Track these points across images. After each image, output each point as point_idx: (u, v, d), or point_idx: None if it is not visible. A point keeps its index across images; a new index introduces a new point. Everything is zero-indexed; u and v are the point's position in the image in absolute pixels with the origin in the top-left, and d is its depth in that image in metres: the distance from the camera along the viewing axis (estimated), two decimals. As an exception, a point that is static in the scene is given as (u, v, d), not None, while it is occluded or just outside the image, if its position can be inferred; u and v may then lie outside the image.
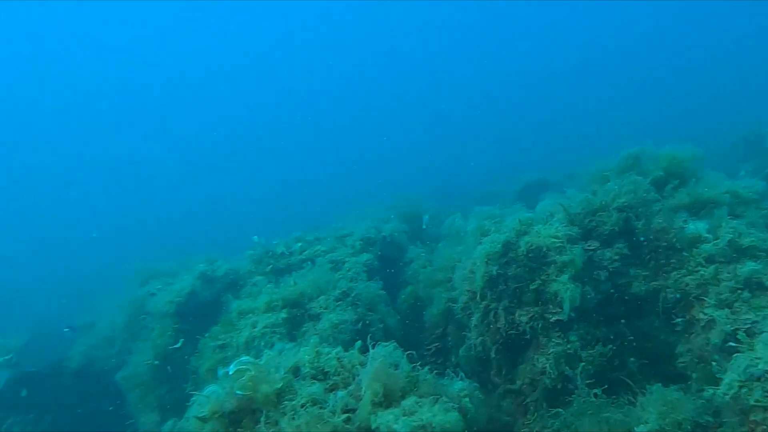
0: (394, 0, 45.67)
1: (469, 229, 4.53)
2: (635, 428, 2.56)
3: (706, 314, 3.04)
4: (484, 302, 3.77)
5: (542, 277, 3.51)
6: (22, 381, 6.22)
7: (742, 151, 10.75)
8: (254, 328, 4.69)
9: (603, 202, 3.82)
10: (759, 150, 10.24)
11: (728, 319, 2.88)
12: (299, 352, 2.62)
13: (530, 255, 3.63)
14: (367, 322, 4.83)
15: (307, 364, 2.52)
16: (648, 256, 3.58)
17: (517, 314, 3.52)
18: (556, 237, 3.60)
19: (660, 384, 2.76)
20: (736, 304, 2.94)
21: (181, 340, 5.79)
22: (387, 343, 2.53)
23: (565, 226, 3.68)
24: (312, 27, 50.92)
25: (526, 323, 3.42)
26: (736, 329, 2.79)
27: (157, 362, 5.66)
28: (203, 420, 2.29)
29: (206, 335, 5.30)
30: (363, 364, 2.41)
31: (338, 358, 2.54)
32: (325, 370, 2.49)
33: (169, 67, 49.45)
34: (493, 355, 3.70)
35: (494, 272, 3.68)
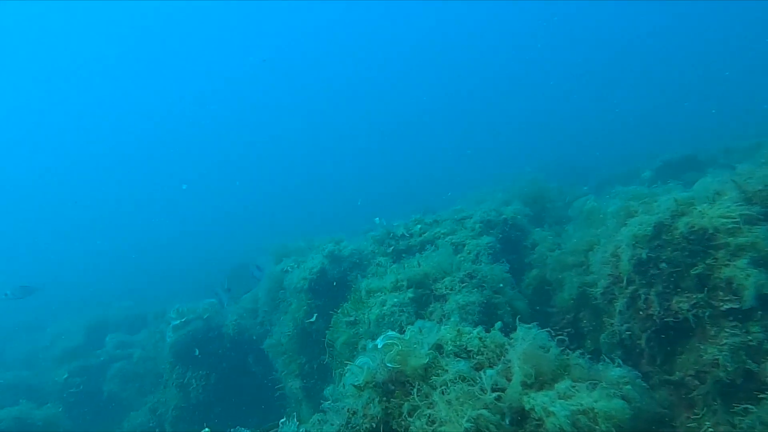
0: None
1: (611, 211, 4.21)
2: None
3: None
4: (631, 287, 3.52)
5: (707, 261, 3.15)
6: (194, 342, 7.27)
7: None
8: (383, 306, 4.89)
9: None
10: None
11: None
12: (441, 330, 2.69)
13: (691, 237, 3.27)
14: (495, 304, 4.78)
15: (449, 342, 2.56)
16: None
17: (674, 301, 3.21)
18: (727, 217, 3.19)
19: None
20: None
21: (315, 314, 6.29)
22: (530, 325, 2.48)
23: (739, 205, 3.23)
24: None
25: (688, 311, 3.10)
26: None
27: (296, 333, 6.23)
28: (359, 389, 2.47)
29: (338, 311, 5.69)
30: (508, 345, 2.40)
31: (480, 338, 2.55)
32: (468, 348, 2.52)
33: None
34: (643, 343, 3.42)
35: (644, 255, 3.40)
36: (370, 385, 2.40)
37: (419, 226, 6.95)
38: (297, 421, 2.92)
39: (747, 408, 2.68)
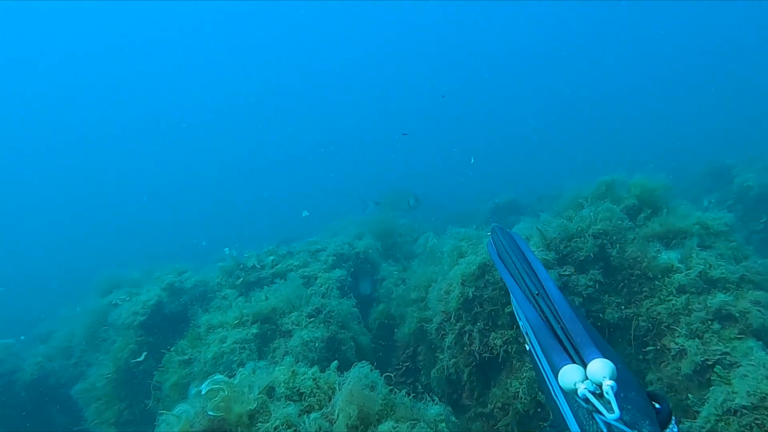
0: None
1: (446, 250, 4.54)
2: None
3: (677, 343, 3.10)
4: (459, 324, 3.77)
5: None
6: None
7: (706, 182, 10.99)
8: (223, 343, 4.57)
9: (579, 228, 3.88)
10: (724, 181, 10.44)
11: (699, 349, 2.95)
12: (274, 372, 2.59)
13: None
14: (339, 339, 4.80)
15: (282, 384, 2.48)
16: (621, 284, 3.63)
17: (491, 337, 3.52)
18: None
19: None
20: (707, 335, 3.01)
21: (144, 353, 5.59)
22: (362, 364, 2.53)
23: (541, 251, 3.72)
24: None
25: (501, 346, 3.42)
26: (706, 360, 2.86)
27: (117, 376, 5.44)
28: (172, 440, 2.23)
29: (171, 349, 5.14)
30: (340, 384, 2.41)
31: (314, 378, 2.51)
32: (301, 390, 2.45)
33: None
34: (465, 377, 3.69)
35: (470, 294, 3.70)
36: (186, 437, 2.19)
37: (272, 257, 6.75)
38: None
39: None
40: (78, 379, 6.09)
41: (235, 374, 2.64)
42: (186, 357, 4.84)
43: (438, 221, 14.32)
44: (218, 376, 2.48)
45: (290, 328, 4.79)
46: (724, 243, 3.76)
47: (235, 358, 4.44)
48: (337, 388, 2.34)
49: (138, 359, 5.51)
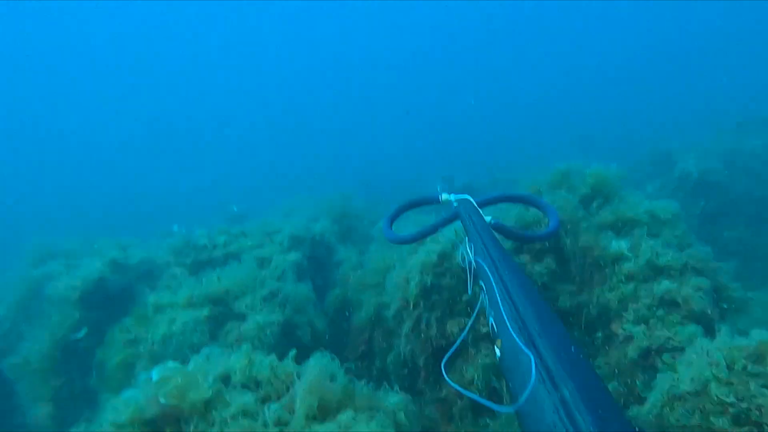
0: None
1: None
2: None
3: (624, 330, 3.20)
4: (416, 311, 3.80)
5: (475, 289, 3.56)
6: None
7: (649, 167, 11.43)
8: (173, 324, 4.41)
9: (535, 218, 3.96)
10: (666, 167, 10.88)
11: (644, 335, 3.06)
12: (230, 359, 2.52)
13: (464, 266, 3.67)
14: (295, 323, 4.75)
15: (238, 372, 2.42)
16: (574, 272, 3.74)
17: (448, 325, 3.58)
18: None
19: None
20: (652, 321, 3.12)
21: (84, 329, 5.32)
22: (322, 354, 2.51)
23: (501, 239, 3.76)
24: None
25: (457, 334, 3.48)
26: (651, 345, 2.99)
27: (54, 352, 5.14)
28: (119, 427, 2.14)
29: (115, 327, 4.93)
30: (298, 375, 2.38)
31: (272, 367, 2.47)
32: (258, 379, 2.41)
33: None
34: (421, 363, 3.75)
35: (428, 282, 3.73)
36: (136, 423, 2.10)
37: (224, 236, 6.54)
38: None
39: (487, 422, 3.19)
40: (7, 352, 5.72)
41: (188, 360, 2.57)
42: (131, 336, 4.65)
43: (394, 203, 14.38)
44: (171, 363, 2.40)
45: (244, 311, 4.68)
46: (670, 231, 3.87)
47: (186, 340, 4.31)
48: (295, 378, 2.31)
49: (77, 336, 5.23)
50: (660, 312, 3.17)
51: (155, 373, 2.32)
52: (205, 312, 4.57)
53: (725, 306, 3.34)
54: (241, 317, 4.67)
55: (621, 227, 3.96)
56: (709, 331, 2.97)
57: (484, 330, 3.50)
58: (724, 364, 2.13)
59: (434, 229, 3.11)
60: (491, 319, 1.59)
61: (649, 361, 3.05)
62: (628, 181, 4.53)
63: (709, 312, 3.11)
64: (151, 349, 4.31)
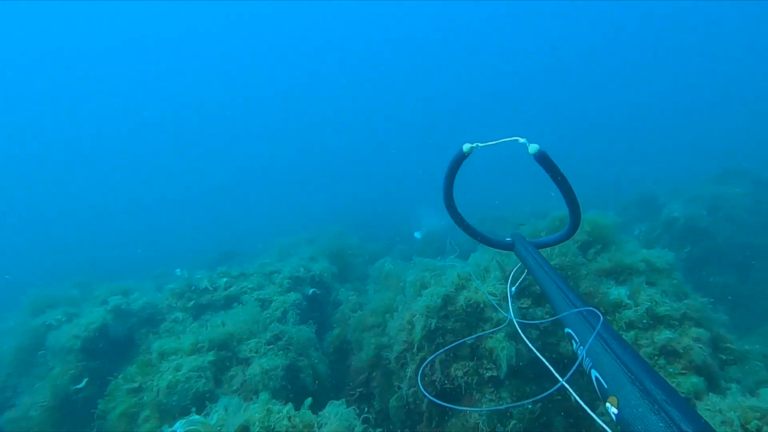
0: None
1: (409, 280, 4.65)
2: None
3: None
4: (420, 354, 3.85)
5: (478, 333, 3.65)
6: None
7: (636, 210, 11.96)
8: (178, 371, 4.45)
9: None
10: (652, 210, 11.33)
11: None
12: (249, 409, 2.63)
13: (468, 310, 3.77)
14: (298, 367, 4.79)
15: (257, 423, 2.53)
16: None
17: (452, 368, 3.60)
18: (493, 294, 3.78)
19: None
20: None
21: (85, 379, 5.31)
22: (339, 403, 2.63)
23: (501, 284, 3.89)
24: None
25: (461, 377, 3.51)
26: None
27: (55, 404, 5.11)
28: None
29: (119, 376, 4.93)
30: (316, 424, 2.49)
31: (289, 417, 2.58)
32: (277, 429, 2.52)
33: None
34: (424, 407, 3.77)
35: (433, 325, 3.79)
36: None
37: (225, 279, 6.64)
38: None
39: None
40: (5, 408, 5.65)
41: (199, 409, 2.66)
42: (135, 385, 4.66)
43: (387, 240, 14.62)
44: (194, 417, 2.50)
45: (248, 355, 4.73)
46: (666, 280, 4.00)
47: (191, 387, 4.35)
48: (316, 429, 2.42)
49: (78, 386, 5.21)
50: (661, 361, 3.24)
51: (179, 427, 2.41)
52: (209, 357, 4.62)
53: (724, 357, 3.41)
54: (246, 362, 4.72)
55: (619, 274, 4.06)
56: (710, 383, 3.03)
57: (488, 374, 3.53)
58: (738, 423, 2.18)
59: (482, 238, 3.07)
60: (594, 374, 1.56)
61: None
62: (623, 227, 4.72)
63: (710, 363, 3.16)
64: (156, 398, 4.33)
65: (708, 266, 8.70)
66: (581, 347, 1.65)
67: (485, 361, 3.55)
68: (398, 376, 4.31)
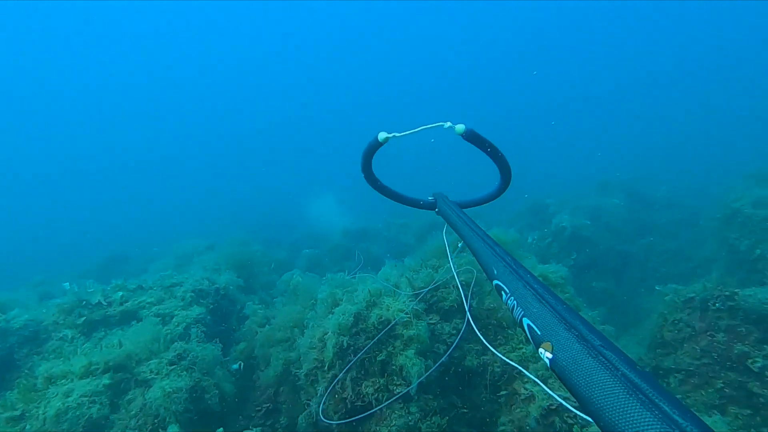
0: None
1: (320, 297, 4.71)
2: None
3: (526, 389, 3.47)
4: (332, 371, 3.91)
5: (389, 349, 3.76)
6: None
7: (528, 217, 12.89)
8: (68, 396, 4.18)
9: (444, 280, 4.26)
10: (542, 218, 12.20)
11: (545, 394, 3.31)
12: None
13: (379, 327, 3.88)
14: (203, 387, 4.71)
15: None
16: (480, 332, 4.13)
17: (363, 385, 3.69)
18: (403, 311, 3.92)
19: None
20: (550, 381, 3.31)
21: (-49, 408, 4.73)
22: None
23: (411, 301, 4.04)
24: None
25: (372, 395, 3.60)
26: (551, 404, 3.27)
27: None
28: None
29: (-6, 404, 4.49)
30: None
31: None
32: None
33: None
34: (334, 425, 3.78)
35: (345, 343, 3.88)
36: None
37: (121, 292, 6.25)
38: None
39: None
40: None
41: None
42: (17, 413, 4.29)
43: (291, 243, 14.57)
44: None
45: (149, 377, 4.54)
46: (560, 294, 4.29)
47: (83, 414, 4.14)
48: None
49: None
50: (558, 373, 3.72)
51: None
52: (105, 381, 4.37)
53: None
54: (145, 384, 4.55)
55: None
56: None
57: (398, 390, 3.64)
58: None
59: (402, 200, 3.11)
60: (527, 322, 1.51)
61: (550, 419, 3.30)
62: (521, 243, 5.21)
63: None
64: (42, 427, 4.05)
65: (590, 271, 9.62)
66: (512, 297, 1.65)
67: (395, 378, 3.67)
68: (307, 392, 4.34)
